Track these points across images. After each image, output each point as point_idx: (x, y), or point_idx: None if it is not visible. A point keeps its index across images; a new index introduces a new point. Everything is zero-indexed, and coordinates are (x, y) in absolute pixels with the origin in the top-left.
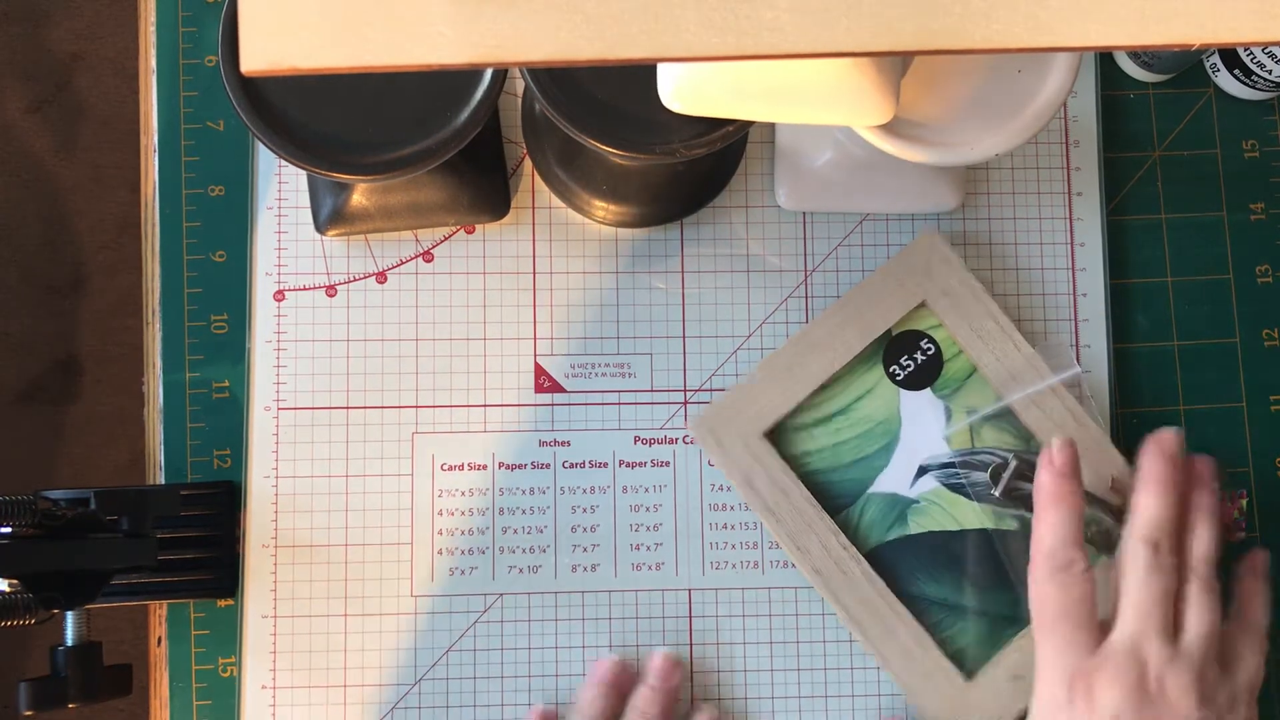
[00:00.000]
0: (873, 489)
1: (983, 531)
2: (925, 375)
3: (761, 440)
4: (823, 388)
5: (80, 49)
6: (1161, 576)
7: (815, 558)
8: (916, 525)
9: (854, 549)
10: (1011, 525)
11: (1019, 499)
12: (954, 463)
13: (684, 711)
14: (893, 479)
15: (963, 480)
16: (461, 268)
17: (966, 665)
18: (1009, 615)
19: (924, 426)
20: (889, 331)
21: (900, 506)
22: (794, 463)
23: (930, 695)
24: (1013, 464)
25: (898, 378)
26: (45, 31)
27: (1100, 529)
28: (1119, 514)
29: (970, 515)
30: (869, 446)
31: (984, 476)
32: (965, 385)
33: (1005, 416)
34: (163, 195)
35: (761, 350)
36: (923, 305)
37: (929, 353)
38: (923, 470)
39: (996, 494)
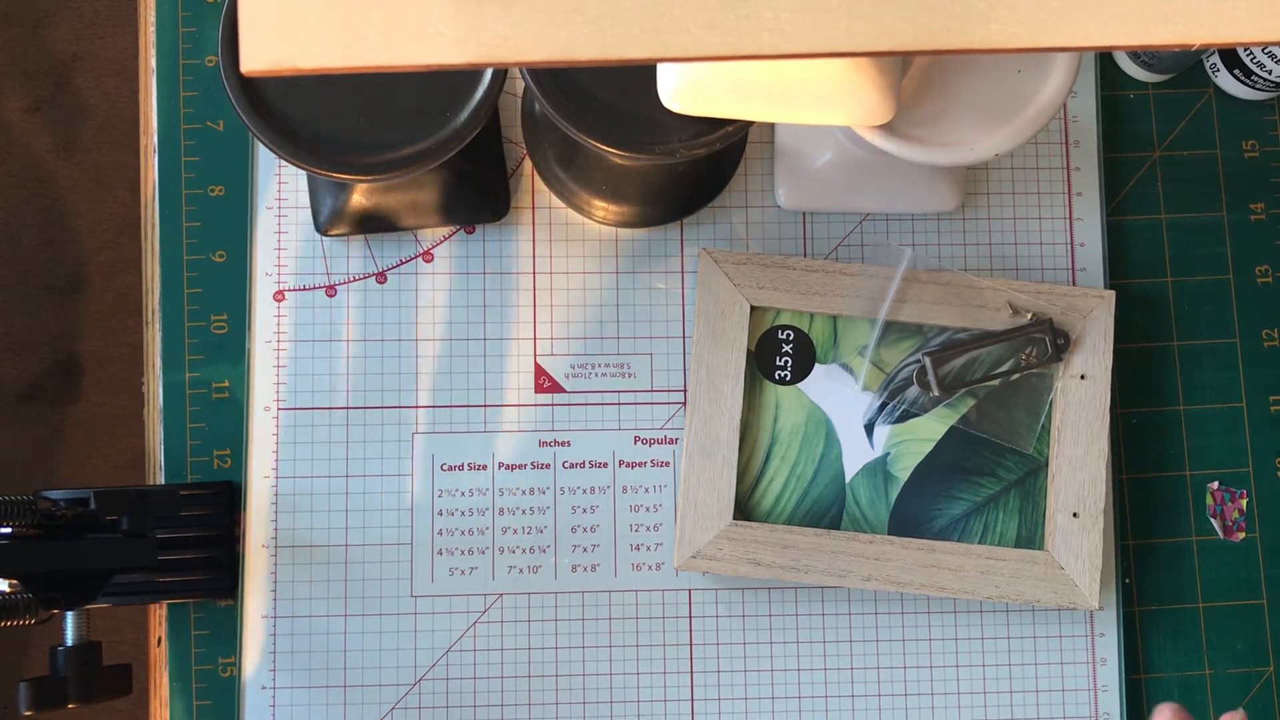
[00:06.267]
0: (848, 476)
1: (951, 429)
2: (805, 357)
3: (736, 525)
4: (742, 441)
5: (80, 49)
6: None
7: (857, 571)
8: (902, 471)
9: (877, 534)
10: (968, 403)
11: (956, 380)
12: (885, 401)
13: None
14: (855, 454)
15: (904, 406)
16: (461, 268)
17: (1033, 542)
18: (1019, 474)
19: (841, 395)
20: (748, 350)
21: (879, 469)
22: (773, 516)
23: (1039, 588)
24: (926, 360)
25: (786, 378)
26: (45, 31)
27: (997, 358)
28: (1016, 331)
29: (933, 425)
30: (816, 448)
31: (915, 389)
32: (840, 337)
33: (889, 333)
34: (163, 195)
35: None
36: (753, 310)
37: (791, 339)
38: (869, 427)
39: (937, 392)
